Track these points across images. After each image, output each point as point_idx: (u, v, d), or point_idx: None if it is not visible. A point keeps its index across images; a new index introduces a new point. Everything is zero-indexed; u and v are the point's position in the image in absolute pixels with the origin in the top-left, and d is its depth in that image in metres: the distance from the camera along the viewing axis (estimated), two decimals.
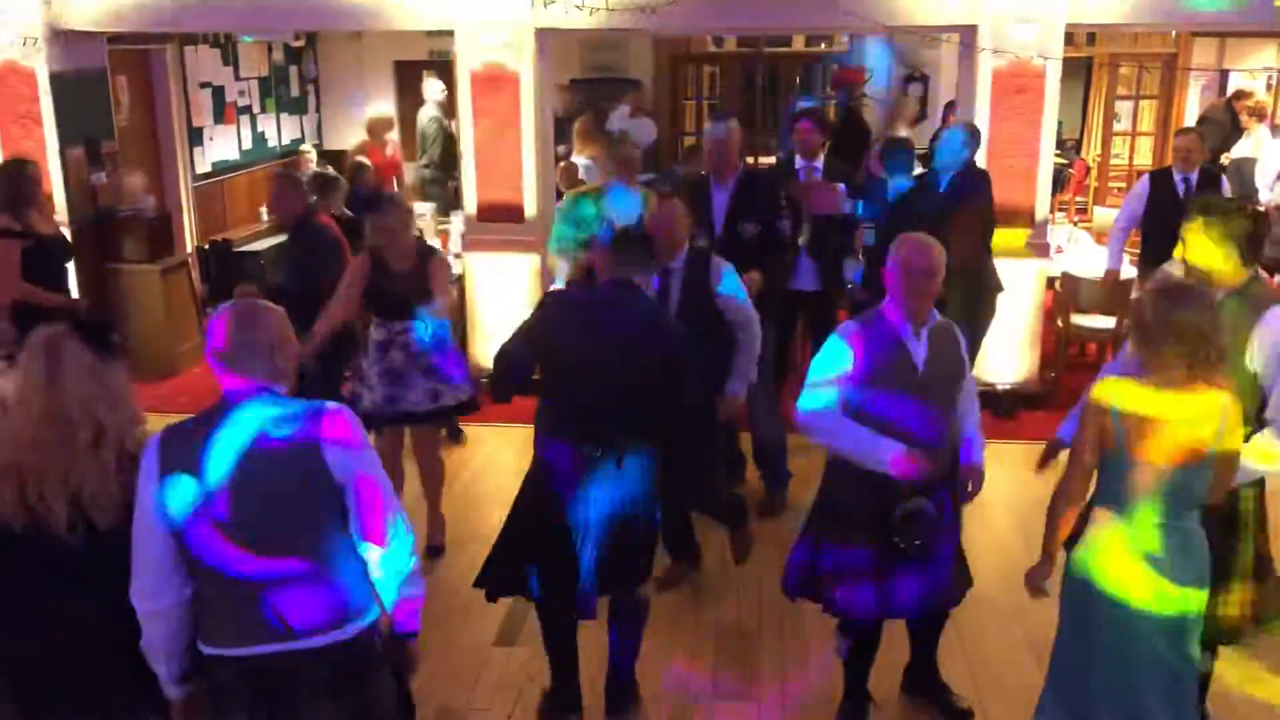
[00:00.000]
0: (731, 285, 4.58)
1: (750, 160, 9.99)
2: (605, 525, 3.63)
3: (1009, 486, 5.66)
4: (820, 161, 6.24)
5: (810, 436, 3.65)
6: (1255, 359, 3.28)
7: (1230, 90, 10.74)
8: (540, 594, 3.76)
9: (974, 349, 5.80)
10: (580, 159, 8.12)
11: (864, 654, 3.86)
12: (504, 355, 3.80)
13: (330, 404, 2.60)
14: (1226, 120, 9.70)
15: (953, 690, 4.05)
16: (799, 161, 6.25)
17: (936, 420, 3.52)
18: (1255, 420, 3.27)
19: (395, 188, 9.31)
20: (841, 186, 6.00)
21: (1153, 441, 2.94)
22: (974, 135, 6.13)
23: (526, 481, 3.81)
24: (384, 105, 11.47)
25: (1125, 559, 3.05)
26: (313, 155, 9.79)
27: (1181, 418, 2.94)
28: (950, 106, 10.06)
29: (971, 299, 5.95)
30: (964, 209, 5.75)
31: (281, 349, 2.61)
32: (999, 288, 6.23)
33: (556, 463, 3.65)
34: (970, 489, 3.66)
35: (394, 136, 10.03)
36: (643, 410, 3.58)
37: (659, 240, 4.22)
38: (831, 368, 3.55)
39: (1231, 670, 3.96)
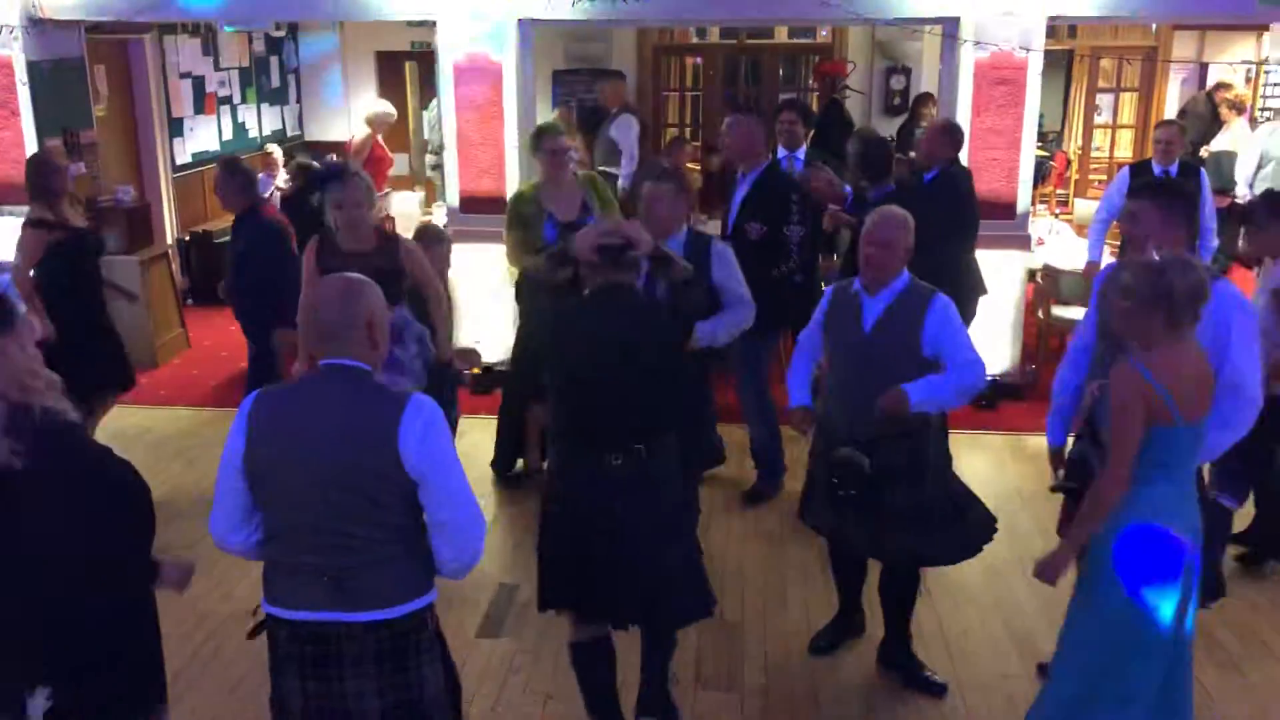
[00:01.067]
0: (726, 273, 4.43)
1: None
2: (640, 546, 3.43)
3: (990, 477, 5.70)
4: (802, 152, 6.25)
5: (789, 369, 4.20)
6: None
7: (1210, 83, 10.81)
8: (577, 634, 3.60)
9: None
10: None
11: (841, 570, 4.30)
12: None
13: (416, 393, 2.63)
14: (1207, 113, 9.77)
15: (926, 665, 4.13)
16: (781, 152, 6.26)
17: (876, 378, 3.70)
18: None
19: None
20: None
21: (1194, 401, 3.06)
22: (954, 132, 6.12)
23: (552, 501, 3.60)
24: (367, 96, 11.43)
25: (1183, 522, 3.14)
26: (278, 155, 9.61)
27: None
28: (923, 99, 10.09)
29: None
30: (943, 209, 5.67)
31: (377, 328, 2.65)
32: (980, 289, 6.18)
33: (579, 478, 3.48)
34: (881, 402, 3.66)
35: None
36: (652, 409, 3.46)
37: (649, 221, 4.15)
38: (816, 314, 4.10)
39: None
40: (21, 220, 6.71)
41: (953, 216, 5.73)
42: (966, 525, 3.93)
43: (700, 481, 4.86)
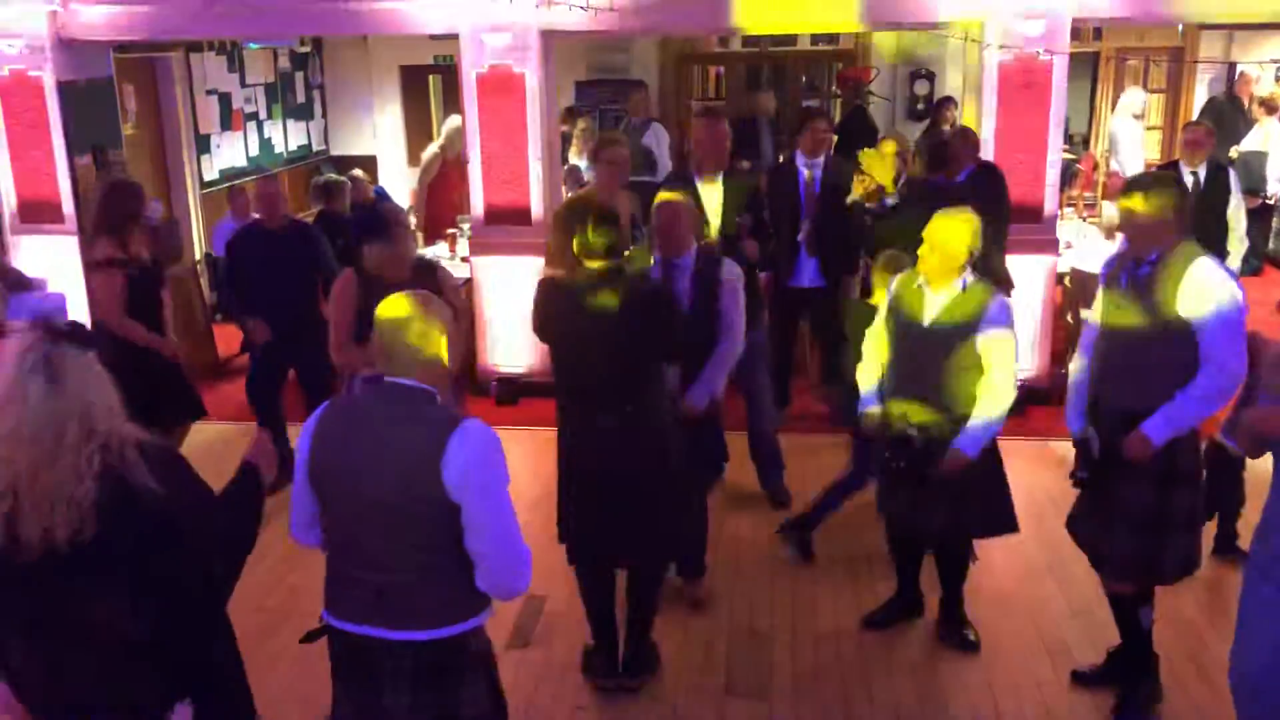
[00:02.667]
0: (731, 301, 4.54)
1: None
2: (633, 489, 3.90)
3: (1018, 482, 5.61)
4: (822, 159, 6.24)
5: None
6: (1184, 305, 3.49)
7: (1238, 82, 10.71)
8: (575, 555, 4.11)
9: None
10: (581, 162, 8.12)
11: (899, 552, 4.49)
12: None
13: (468, 420, 2.60)
14: (1227, 109, 9.64)
15: (968, 624, 4.37)
16: (800, 160, 6.25)
17: (934, 369, 3.97)
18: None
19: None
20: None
21: None
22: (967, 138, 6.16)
23: (560, 453, 4.27)
24: (392, 110, 11.51)
25: None
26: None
27: None
28: (945, 103, 10.04)
29: None
30: (976, 203, 5.70)
31: (440, 348, 2.66)
32: (1008, 284, 6.20)
33: (578, 434, 4.07)
34: (944, 463, 3.96)
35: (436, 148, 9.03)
36: (644, 370, 3.93)
37: (660, 237, 4.51)
38: (885, 301, 4.28)
39: None
40: (58, 240, 6.78)
41: (985, 213, 5.74)
42: (1005, 501, 4.15)
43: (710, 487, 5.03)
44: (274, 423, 5.86)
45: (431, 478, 2.51)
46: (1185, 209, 3.61)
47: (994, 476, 4.12)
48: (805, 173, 6.21)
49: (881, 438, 4.19)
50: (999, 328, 3.93)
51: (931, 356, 3.99)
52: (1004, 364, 3.95)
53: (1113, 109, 11.81)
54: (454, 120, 8.59)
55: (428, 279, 4.44)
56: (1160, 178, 3.85)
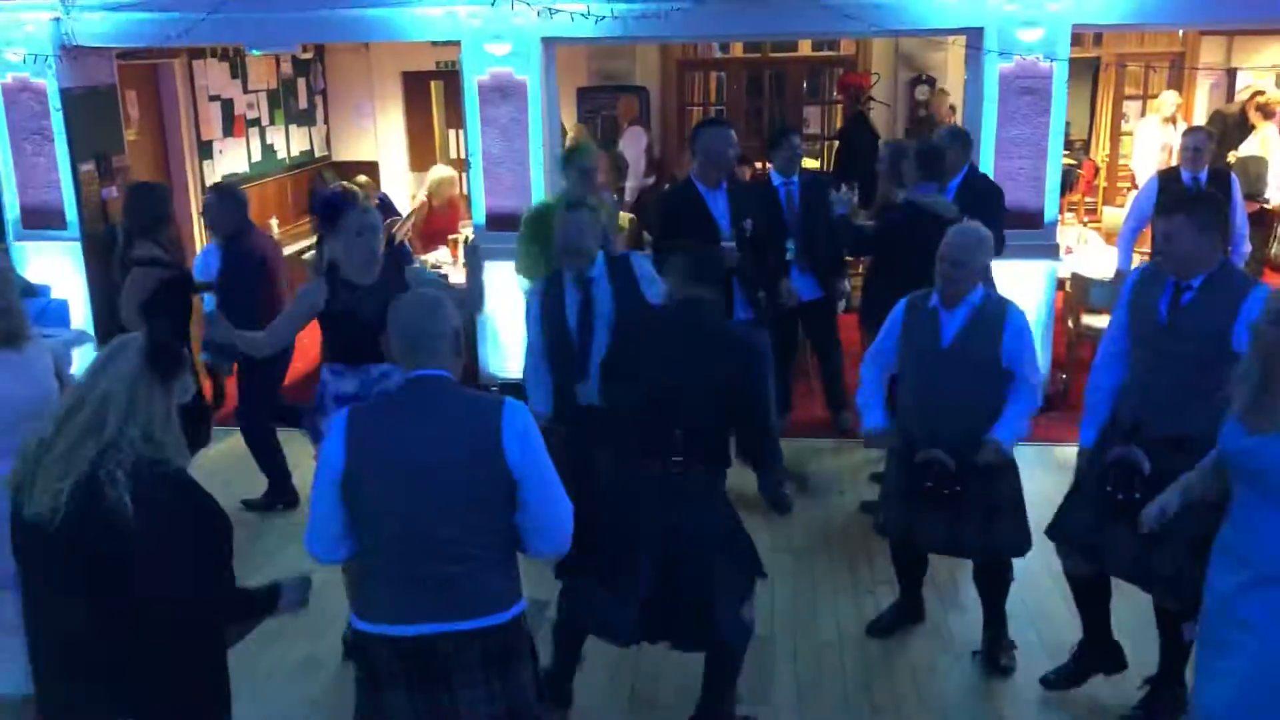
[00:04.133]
0: (656, 289, 4.29)
1: (759, 167, 10.04)
2: (678, 556, 3.53)
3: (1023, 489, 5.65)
4: (797, 177, 6.21)
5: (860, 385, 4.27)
6: (1240, 340, 3.31)
7: (1239, 88, 10.73)
8: (594, 618, 3.72)
9: None
10: None
11: (902, 562, 4.44)
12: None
13: (508, 397, 2.71)
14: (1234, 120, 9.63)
15: (1006, 643, 4.25)
16: (777, 179, 6.20)
17: (957, 390, 3.91)
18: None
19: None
20: None
21: None
22: (961, 139, 5.96)
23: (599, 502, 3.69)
24: (394, 116, 11.53)
25: None
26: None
27: None
28: (938, 94, 10.08)
29: None
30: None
31: (461, 337, 2.74)
32: None
33: (630, 485, 3.62)
34: (980, 455, 3.91)
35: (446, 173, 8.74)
36: (716, 428, 3.58)
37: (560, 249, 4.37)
38: (886, 325, 4.18)
39: None
40: (61, 246, 6.79)
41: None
42: (1022, 517, 4.11)
43: None
44: (278, 453, 5.82)
45: (495, 452, 2.61)
46: (1226, 228, 3.58)
47: (1019, 494, 4.11)
48: (783, 192, 6.19)
49: (900, 464, 4.12)
50: (1022, 331, 3.97)
51: (955, 377, 3.95)
52: (1033, 361, 4.00)
53: (1113, 114, 11.85)
54: (437, 171, 8.65)
55: (399, 280, 4.23)
56: (1202, 198, 3.81)
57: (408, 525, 2.63)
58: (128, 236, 5.55)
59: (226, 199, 5.68)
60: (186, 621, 2.58)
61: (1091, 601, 3.96)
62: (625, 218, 7.32)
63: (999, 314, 3.98)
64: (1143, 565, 3.60)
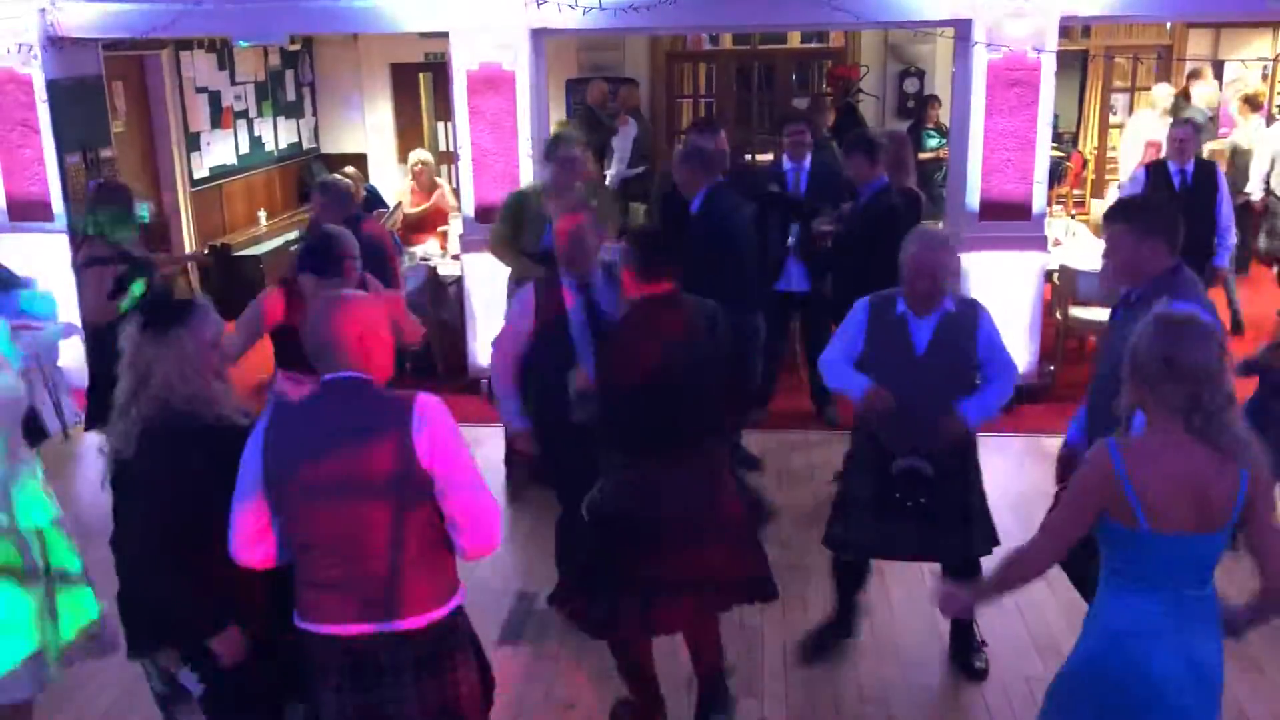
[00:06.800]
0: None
1: (748, 159, 10.04)
2: (688, 533, 3.55)
3: (1009, 478, 5.67)
4: (808, 162, 6.25)
5: (825, 379, 4.11)
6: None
7: (1227, 80, 10.75)
8: (615, 624, 3.67)
9: None
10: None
11: (845, 576, 4.32)
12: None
13: (421, 392, 2.69)
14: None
15: (977, 644, 4.26)
16: (788, 164, 6.26)
17: (933, 395, 3.81)
18: None
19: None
20: None
21: (1170, 507, 2.55)
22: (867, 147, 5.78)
23: (605, 508, 3.66)
24: (383, 108, 11.50)
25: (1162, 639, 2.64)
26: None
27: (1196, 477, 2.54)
28: (929, 100, 10.08)
29: None
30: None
31: (369, 338, 2.71)
32: None
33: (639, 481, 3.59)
34: (943, 429, 3.84)
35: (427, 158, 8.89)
36: (710, 412, 3.61)
37: (563, 254, 4.20)
38: (848, 330, 4.01)
39: None
40: (47, 238, 6.74)
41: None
42: (989, 516, 4.10)
43: None
44: None
45: (405, 450, 2.58)
46: (1173, 233, 3.39)
47: (983, 495, 4.09)
48: (791, 177, 6.22)
49: (870, 472, 4.02)
50: (994, 330, 3.94)
51: (931, 385, 3.84)
52: (1007, 353, 3.97)
53: (1101, 107, 11.88)
54: (415, 154, 8.91)
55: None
56: (1144, 205, 3.76)
57: (325, 527, 2.63)
58: (84, 236, 5.66)
59: (330, 191, 5.87)
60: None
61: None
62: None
63: (971, 317, 3.90)
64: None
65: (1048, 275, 7.35)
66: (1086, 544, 2.73)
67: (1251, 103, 9.08)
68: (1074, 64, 11.42)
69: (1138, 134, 9.66)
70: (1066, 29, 6.96)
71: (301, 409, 2.72)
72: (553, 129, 8.78)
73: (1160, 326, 2.57)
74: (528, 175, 6.96)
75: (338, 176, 7.06)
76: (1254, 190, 8.46)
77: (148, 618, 2.88)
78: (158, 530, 2.71)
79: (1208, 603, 2.67)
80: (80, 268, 5.66)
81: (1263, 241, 8.77)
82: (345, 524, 2.61)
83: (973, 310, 3.95)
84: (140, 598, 2.88)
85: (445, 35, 6.94)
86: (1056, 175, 9.59)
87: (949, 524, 3.97)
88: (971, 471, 4.03)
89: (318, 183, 6.39)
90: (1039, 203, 6.80)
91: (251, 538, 2.70)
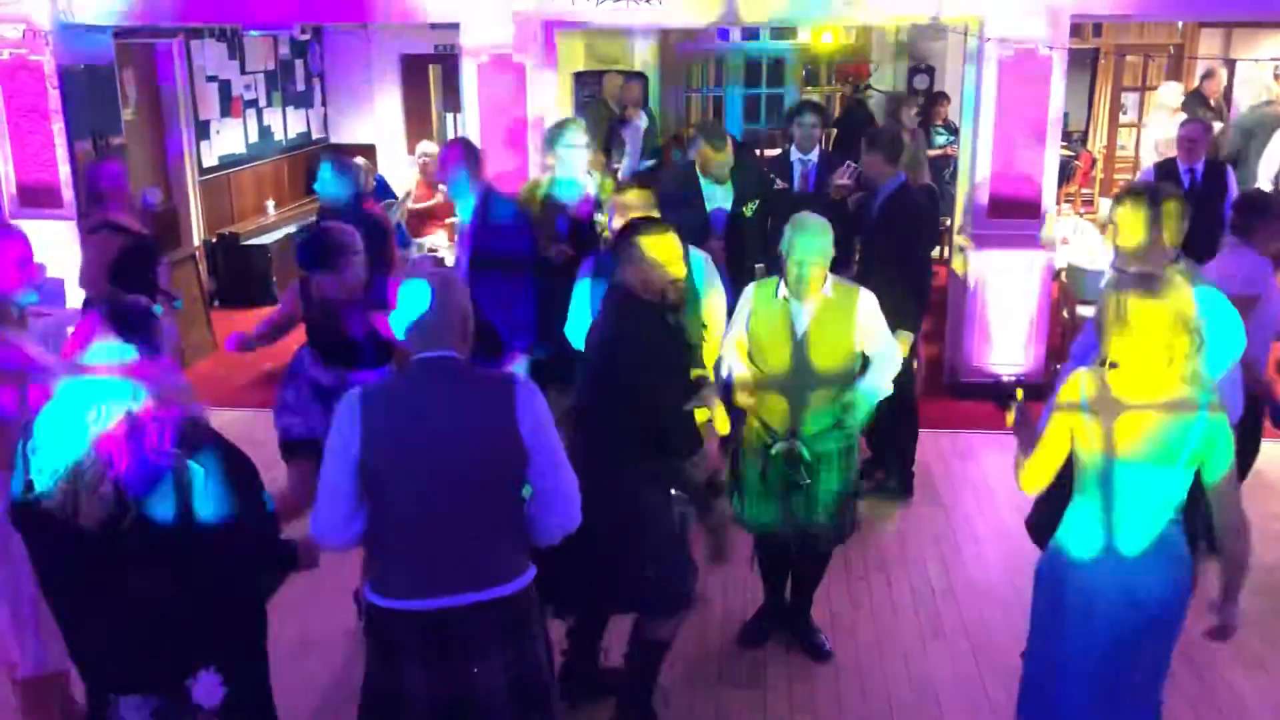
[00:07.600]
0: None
1: (756, 154, 10.04)
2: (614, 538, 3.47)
3: (1012, 477, 5.66)
4: (816, 155, 6.24)
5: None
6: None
7: (1239, 78, 10.73)
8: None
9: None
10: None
11: (771, 564, 4.38)
12: None
13: (517, 373, 2.78)
14: (1195, 109, 9.58)
15: (820, 631, 4.34)
16: (795, 155, 6.24)
17: (812, 378, 3.92)
18: None
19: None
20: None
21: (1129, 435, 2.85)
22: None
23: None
24: (392, 99, 11.50)
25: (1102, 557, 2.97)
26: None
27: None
28: (939, 98, 10.05)
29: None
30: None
31: (470, 321, 2.78)
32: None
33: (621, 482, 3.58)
34: (843, 397, 3.97)
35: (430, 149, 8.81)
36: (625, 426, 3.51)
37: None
38: (739, 312, 4.09)
39: None
40: (57, 224, 6.78)
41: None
42: (856, 505, 4.20)
43: None
44: None
45: (510, 428, 2.67)
46: (1175, 221, 3.50)
47: (854, 484, 4.15)
48: (799, 168, 6.22)
49: (757, 454, 4.07)
50: (875, 312, 3.98)
51: (808, 367, 3.92)
52: (887, 334, 4.03)
53: (1111, 105, 11.87)
54: (423, 145, 8.87)
55: (381, 295, 4.19)
56: (1145, 192, 3.79)
57: (422, 504, 2.67)
58: (87, 206, 5.74)
59: (339, 162, 5.88)
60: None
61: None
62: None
63: (849, 300, 3.95)
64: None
65: (1055, 274, 7.34)
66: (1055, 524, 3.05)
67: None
68: (1084, 62, 11.41)
69: (1153, 134, 9.63)
70: (1077, 27, 6.95)
71: (398, 390, 2.80)
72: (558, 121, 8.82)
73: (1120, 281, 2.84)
74: (537, 167, 6.96)
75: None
76: (1265, 186, 8.43)
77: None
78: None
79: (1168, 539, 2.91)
80: (86, 234, 5.65)
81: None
82: (445, 499, 2.67)
83: (852, 295, 3.97)
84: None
85: (455, 26, 6.95)
86: (1066, 174, 9.59)
87: (825, 508, 4.04)
88: (854, 457, 4.11)
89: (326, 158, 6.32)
90: (1048, 201, 6.80)
91: (342, 520, 2.71)
